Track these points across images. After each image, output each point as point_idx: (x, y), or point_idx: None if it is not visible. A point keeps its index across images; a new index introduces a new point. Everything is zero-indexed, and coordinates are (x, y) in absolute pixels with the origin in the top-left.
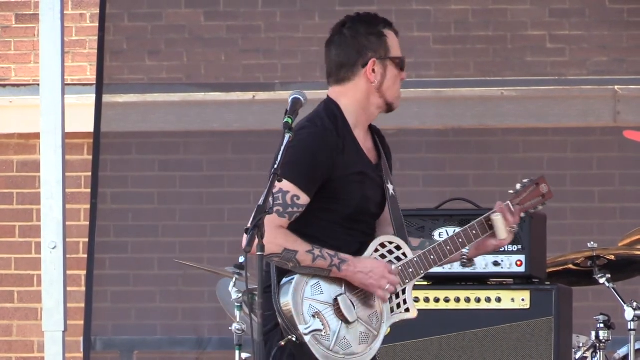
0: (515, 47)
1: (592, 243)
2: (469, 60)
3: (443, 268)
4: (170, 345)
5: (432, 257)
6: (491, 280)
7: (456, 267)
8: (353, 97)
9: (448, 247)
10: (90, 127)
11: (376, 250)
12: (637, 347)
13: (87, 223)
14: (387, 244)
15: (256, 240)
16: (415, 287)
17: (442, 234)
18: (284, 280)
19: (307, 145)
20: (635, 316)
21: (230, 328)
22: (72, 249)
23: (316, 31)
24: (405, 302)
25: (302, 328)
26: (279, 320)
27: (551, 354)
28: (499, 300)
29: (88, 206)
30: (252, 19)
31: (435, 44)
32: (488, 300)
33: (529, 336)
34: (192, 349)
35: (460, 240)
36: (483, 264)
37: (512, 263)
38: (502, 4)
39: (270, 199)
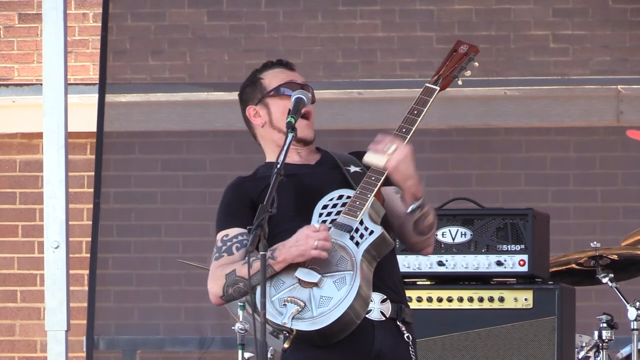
0: (518, 46)
1: (595, 243)
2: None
3: (446, 268)
4: (172, 344)
5: (372, 177)
6: (494, 279)
7: (458, 267)
8: (264, 147)
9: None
10: (93, 127)
11: (320, 215)
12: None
13: (90, 222)
14: (328, 202)
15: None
16: (419, 287)
17: (445, 233)
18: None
19: (220, 201)
20: (638, 316)
21: (233, 328)
22: (74, 249)
23: (319, 31)
24: (366, 229)
25: (280, 320)
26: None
27: (554, 354)
28: (502, 299)
29: (91, 206)
30: (255, 19)
31: (438, 44)
32: (491, 299)
33: (532, 336)
34: (194, 349)
35: (403, 131)
36: (486, 263)
37: (515, 263)
38: (505, 4)
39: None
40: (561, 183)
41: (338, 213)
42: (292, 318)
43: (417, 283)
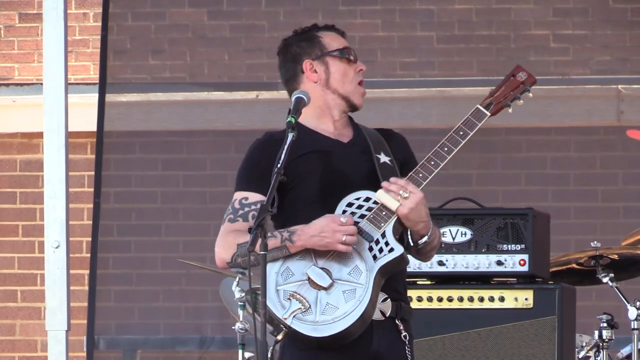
0: (519, 46)
1: (596, 242)
2: (473, 60)
3: (447, 267)
4: (173, 344)
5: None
6: (494, 279)
7: (459, 267)
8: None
9: (420, 175)
10: (93, 127)
11: (344, 212)
12: None
13: (90, 222)
14: (354, 201)
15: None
16: (419, 287)
17: (445, 233)
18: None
19: (245, 156)
20: (638, 315)
21: (233, 327)
22: (75, 248)
23: None
24: (387, 244)
25: (281, 314)
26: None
27: (554, 354)
28: (502, 299)
29: (91, 205)
30: (256, 18)
31: (438, 44)
32: (491, 299)
33: (532, 335)
34: (195, 348)
35: (432, 163)
36: (486, 263)
37: (516, 262)
38: (505, 4)
39: (225, 214)
40: (561, 183)
41: (362, 216)
42: (294, 316)
43: (417, 283)
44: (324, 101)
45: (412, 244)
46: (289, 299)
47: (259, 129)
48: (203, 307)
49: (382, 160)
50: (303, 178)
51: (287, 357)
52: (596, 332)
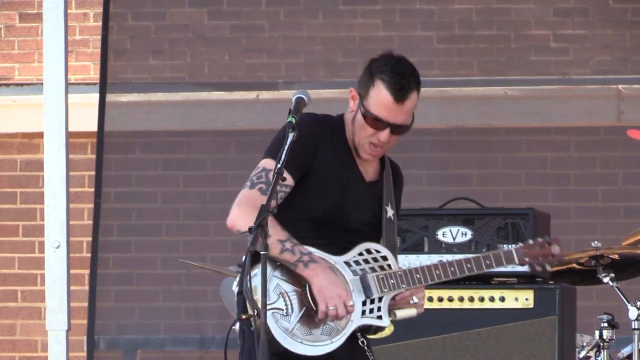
0: (519, 46)
1: (596, 242)
2: (473, 60)
3: None
4: (173, 344)
5: (417, 275)
6: (495, 279)
7: None
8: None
9: (437, 272)
10: (93, 127)
11: (360, 254)
12: None
13: (91, 222)
14: (373, 251)
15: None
16: None
17: (446, 233)
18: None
19: (299, 132)
20: (639, 315)
21: (233, 327)
22: (75, 248)
23: (320, 30)
24: (379, 309)
25: (262, 302)
26: (244, 295)
27: (555, 353)
28: (502, 299)
29: (91, 205)
30: (256, 18)
31: (438, 43)
32: (492, 299)
33: (533, 335)
34: (195, 348)
35: (452, 269)
36: None
37: None
38: (505, 3)
39: (253, 176)
40: (562, 183)
41: (372, 268)
42: (272, 313)
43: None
44: (347, 134)
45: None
46: (279, 294)
47: (259, 129)
48: (203, 307)
49: (388, 215)
50: (312, 197)
51: (249, 344)
52: (597, 332)
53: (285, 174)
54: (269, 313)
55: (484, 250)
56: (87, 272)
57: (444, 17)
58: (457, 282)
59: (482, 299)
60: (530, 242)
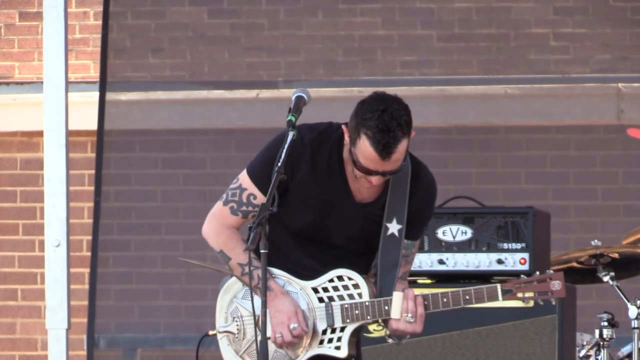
0: (519, 45)
1: (596, 241)
2: (473, 58)
3: (447, 266)
4: (173, 343)
5: (386, 307)
6: (495, 278)
7: (459, 266)
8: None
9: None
10: (93, 125)
11: (331, 281)
12: None
13: (91, 221)
14: (345, 278)
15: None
16: (419, 285)
17: (446, 231)
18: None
19: (271, 144)
20: (638, 314)
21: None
22: (75, 247)
23: (319, 29)
24: (339, 339)
25: (219, 325)
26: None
27: (555, 352)
28: None
29: (91, 204)
30: (256, 17)
31: (438, 42)
32: None
33: (533, 334)
34: (195, 347)
35: (426, 302)
36: (487, 262)
37: (516, 261)
38: (505, 2)
39: (229, 190)
40: (562, 181)
41: (340, 297)
42: (224, 335)
43: (418, 281)
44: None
45: (386, 338)
46: (234, 318)
47: (259, 128)
48: (203, 305)
49: (389, 232)
50: (290, 213)
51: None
52: (597, 331)
53: (256, 191)
54: (223, 335)
55: (483, 249)
56: (87, 270)
57: (444, 16)
58: (457, 281)
59: None
60: (524, 277)
